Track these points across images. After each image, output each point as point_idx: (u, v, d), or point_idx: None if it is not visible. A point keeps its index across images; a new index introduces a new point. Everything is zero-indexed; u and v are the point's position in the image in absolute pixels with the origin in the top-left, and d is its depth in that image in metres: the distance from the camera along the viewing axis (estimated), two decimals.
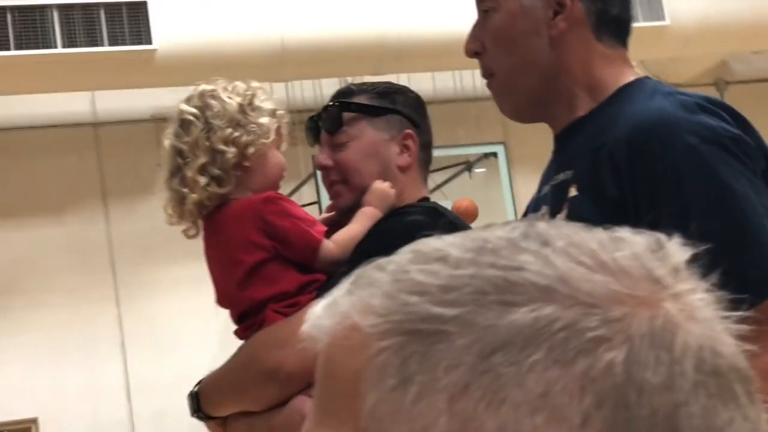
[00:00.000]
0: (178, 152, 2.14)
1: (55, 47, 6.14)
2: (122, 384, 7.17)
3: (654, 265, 0.58)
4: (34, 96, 6.84)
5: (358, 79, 7.78)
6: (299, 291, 2.06)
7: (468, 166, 7.09)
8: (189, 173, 2.11)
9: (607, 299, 0.55)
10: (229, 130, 2.10)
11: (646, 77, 1.68)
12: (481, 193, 7.19)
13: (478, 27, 1.72)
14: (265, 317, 2.05)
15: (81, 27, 6.20)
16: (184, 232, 2.18)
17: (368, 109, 2.13)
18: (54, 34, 6.15)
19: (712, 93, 8.60)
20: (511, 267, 0.56)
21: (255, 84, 2.22)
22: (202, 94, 2.16)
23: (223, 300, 2.18)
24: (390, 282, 0.57)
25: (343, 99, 2.16)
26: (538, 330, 0.53)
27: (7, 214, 7.11)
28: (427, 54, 6.68)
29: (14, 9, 6.12)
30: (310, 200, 6.57)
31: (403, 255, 0.59)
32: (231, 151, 2.09)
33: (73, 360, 7.09)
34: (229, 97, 2.14)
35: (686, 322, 0.56)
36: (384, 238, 2.01)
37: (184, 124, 2.14)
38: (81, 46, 6.19)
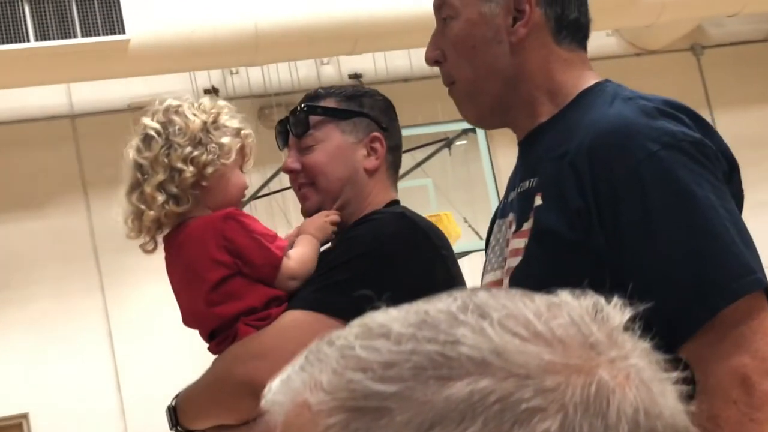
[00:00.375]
0: (138, 167, 2.12)
1: (28, 41, 6.11)
2: (111, 373, 7.18)
3: (590, 331, 0.59)
4: (10, 90, 6.81)
5: (333, 60, 7.78)
6: (267, 305, 2.05)
7: (447, 142, 7.09)
8: (147, 189, 2.10)
9: (541, 369, 0.56)
10: (189, 148, 2.09)
11: (607, 80, 1.68)
12: (461, 169, 7.20)
13: (437, 35, 1.71)
14: (238, 331, 2.04)
15: (53, 19, 6.17)
16: (142, 247, 2.16)
17: (335, 112, 2.13)
18: (26, 28, 6.11)
19: (688, 58, 8.62)
20: (449, 341, 0.57)
21: (222, 102, 2.19)
22: (167, 110, 2.14)
23: (190, 319, 2.16)
24: (337, 359, 0.59)
25: (311, 102, 2.16)
26: (474, 403, 0.55)
27: None
28: (402, 31, 6.67)
29: None
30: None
31: (351, 329, 0.61)
32: (189, 170, 2.08)
33: (61, 352, 7.09)
34: (194, 114, 2.12)
35: (621, 387, 0.57)
36: (353, 246, 2.02)
37: (146, 139, 2.13)
38: (54, 38, 6.16)
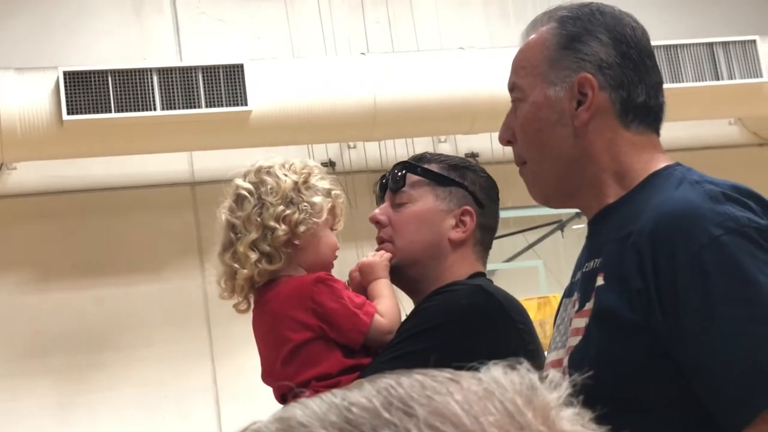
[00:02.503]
0: (231, 227, 2.16)
1: (155, 110, 6.29)
2: None
3: (524, 421, 0.55)
4: (134, 157, 7.00)
5: (451, 138, 7.83)
6: (341, 373, 2.05)
7: (560, 225, 7.05)
8: (240, 248, 2.13)
9: None
10: (281, 207, 2.12)
11: (677, 163, 1.67)
12: (573, 252, 7.13)
13: (510, 116, 1.73)
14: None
15: (180, 90, 6.35)
16: (235, 306, 2.19)
17: (433, 175, 2.13)
18: (153, 97, 6.30)
19: None
20: None
21: (312, 163, 2.23)
22: (258, 170, 2.18)
23: (266, 376, 2.18)
24: None
25: (414, 162, 2.17)
26: None
27: (106, 271, 7.26)
28: None
29: (115, 73, 6.30)
30: None
31: (270, 424, 0.59)
32: (281, 229, 2.10)
33: (168, 415, 7.17)
34: (285, 174, 2.16)
35: None
36: (427, 318, 2.01)
37: (238, 199, 2.17)
38: (179, 108, 6.33)
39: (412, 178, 2.14)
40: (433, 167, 2.15)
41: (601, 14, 1.69)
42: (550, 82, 1.67)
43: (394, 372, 0.59)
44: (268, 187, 2.15)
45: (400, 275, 2.14)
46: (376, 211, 2.17)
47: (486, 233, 2.17)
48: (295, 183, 2.15)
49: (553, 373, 0.55)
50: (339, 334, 2.06)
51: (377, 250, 2.16)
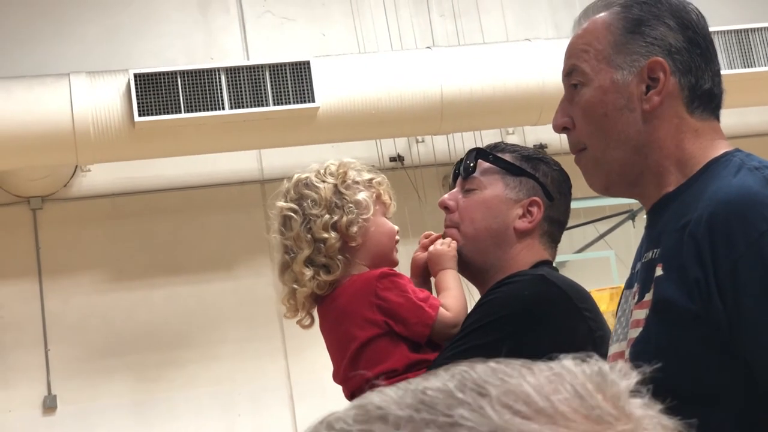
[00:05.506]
0: (285, 249, 2.16)
1: (223, 109, 6.35)
2: None
3: (596, 402, 0.56)
4: (204, 156, 7.08)
5: (519, 130, 7.80)
6: (407, 369, 2.04)
7: (631, 214, 6.98)
8: (296, 267, 2.13)
9: None
10: (327, 216, 2.12)
11: (737, 149, 1.63)
12: None
13: (566, 102, 1.70)
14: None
15: (247, 88, 6.40)
16: (299, 323, 2.20)
17: (504, 163, 2.12)
18: (222, 97, 6.36)
19: None
20: (447, 423, 0.55)
21: (346, 160, 2.21)
22: (296, 186, 2.18)
23: (336, 376, 2.19)
24: None
25: (487, 149, 2.16)
26: None
27: (179, 270, 7.35)
28: None
29: (184, 73, 6.37)
30: None
31: (349, 411, 0.60)
32: (332, 236, 2.11)
33: (243, 412, 7.23)
34: (323, 181, 2.16)
35: None
36: (490, 310, 1.99)
37: (285, 221, 2.17)
38: (247, 107, 6.38)
39: (483, 165, 2.13)
40: (506, 156, 2.14)
41: None
42: (617, 66, 1.64)
43: (467, 361, 0.61)
44: (309, 200, 2.15)
45: (464, 263, 2.13)
46: (446, 196, 2.16)
47: (554, 226, 2.15)
48: (335, 186, 2.15)
49: (622, 363, 0.56)
50: (405, 328, 2.06)
51: (444, 234, 2.16)
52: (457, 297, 2.09)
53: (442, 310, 2.06)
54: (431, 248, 2.14)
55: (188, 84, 6.33)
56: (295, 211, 2.15)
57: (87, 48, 7.28)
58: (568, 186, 2.17)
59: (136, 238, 7.31)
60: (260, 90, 6.41)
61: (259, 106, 6.38)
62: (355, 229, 2.12)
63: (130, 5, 7.47)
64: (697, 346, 1.49)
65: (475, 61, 6.79)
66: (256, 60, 6.80)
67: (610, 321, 2.08)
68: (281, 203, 2.19)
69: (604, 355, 1.78)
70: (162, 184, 7.40)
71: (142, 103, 6.27)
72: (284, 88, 6.43)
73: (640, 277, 1.62)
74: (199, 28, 7.54)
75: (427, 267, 2.17)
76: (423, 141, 7.69)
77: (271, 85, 6.42)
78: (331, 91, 6.52)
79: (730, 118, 1.71)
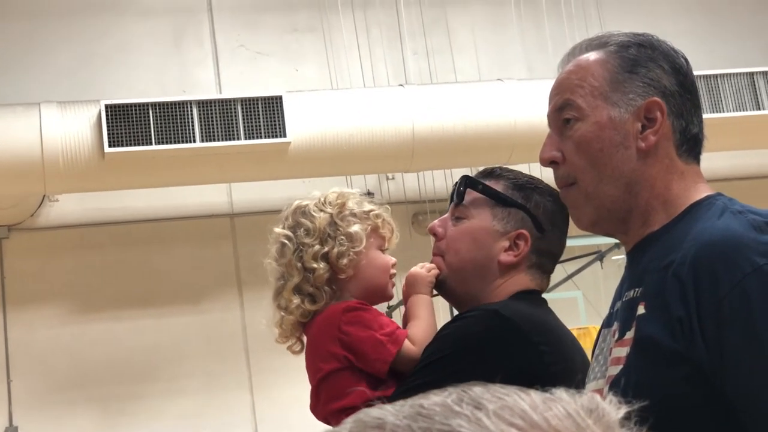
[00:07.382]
0: (278, 275, 2.18)
1: (194, 142, 6.34)
2: None
3: (586, 424, 0.57)
4: (174, 188, 7.05)
5: None
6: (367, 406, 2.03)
7: (599, 255, 7.01)
8: (285, 294, 2.15)
9: None
10: (317, 246, 2.13)
11: (719, 193, 1.66)
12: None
13: (555, 136, 1.71)
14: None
15: (219, 122, 6.40)
16: (289, 348, 2.21)
17: (492, 194, 2.09)
18: (193, 129, 6.35)
19: None
20: (445, 431, 0.57)
21: (348, 190, 2.23)
22: (294, 212, 2.20)
23: (311, 407, 2.18)
24: None
25: (479, 177, 2.14)
26: None
27: (146, 302, 7.30)
28: None
29: (156, 105, 6.36)
30: None
31: (345, 425, 0.62)
32: (321, 267, 2.11)
33: None
34: (320, 210, 2.16)
35: None
36: (439, 347, 1.98)
37: (279, 248, 2.19)
38: (219, 140, 6.38)
39: (472, 194, 2.11)
40: (499, 184, 2.11)
41: (658, 43, 1.70)
42: (613, 104, 1.66)
43: (462, 384, 0.63)
44: (303, 229, 2.16)
45: (446, 290, 2.12)
46: (435, 222, 2.15)
47: (544, 257, 2.11)
48: (331, 216, 2.16)
49: (611, 396, 0.57)
50: (364, 364, 2.05)
51: (431, 262, 2.15)
52: (424, 328, 2.08)
53: (407, 343, 2.06)
54: (411, 269, 2.14)
55: (160, 116, 6.32)
56: (289, 239, 2.17)
57: (58, 77, 7.26)
58: (562, 217, 2.09)
59: (103, 270, 7.26)
60: (232, 124, 6.40)
61: (230, 139, 6.38)
62: (345, 261, 2.12)
63: (103, 35, 7.46)
64: (678, 384, 1.50)
65: (447, 99, 6.82)
66: (228, 94, 6.81)
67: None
68: (278, 229, 2.20)
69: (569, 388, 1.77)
70: (131, 216, 7.36)
71: (113, 133, 6.25)
72: (256, 122, 6.43)
73: (621, 316, 1.62)
74: (173, 61, 7.54)
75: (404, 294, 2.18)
76: (393, 178, 7.71)
77: (243, 119, 6.42)
78: (302, 127, 6.53)
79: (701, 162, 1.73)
